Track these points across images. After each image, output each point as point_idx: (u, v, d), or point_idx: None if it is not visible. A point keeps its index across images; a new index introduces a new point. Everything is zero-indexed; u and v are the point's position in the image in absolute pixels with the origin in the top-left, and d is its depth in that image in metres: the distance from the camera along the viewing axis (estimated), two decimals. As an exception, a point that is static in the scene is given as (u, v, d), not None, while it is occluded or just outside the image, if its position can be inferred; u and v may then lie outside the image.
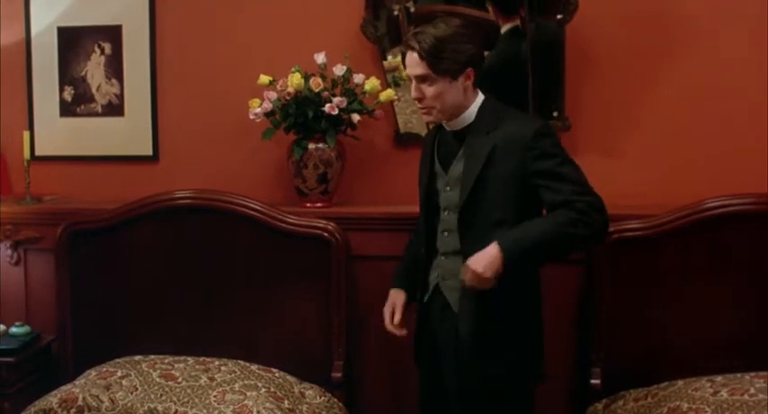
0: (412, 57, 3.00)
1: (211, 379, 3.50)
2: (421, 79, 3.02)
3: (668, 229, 3.58)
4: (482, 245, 2.93)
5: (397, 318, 3.27)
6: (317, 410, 3.54)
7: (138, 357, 3.70)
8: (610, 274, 3.59)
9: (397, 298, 3.31)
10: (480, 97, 3.10)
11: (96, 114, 4.23)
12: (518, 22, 3.80)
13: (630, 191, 3.81)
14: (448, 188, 3.11)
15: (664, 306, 3.62)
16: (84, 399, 3.39)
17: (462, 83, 3.03)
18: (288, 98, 3.82)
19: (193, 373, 3.54)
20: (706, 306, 3.59)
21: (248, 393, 3.42)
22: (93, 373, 3.60)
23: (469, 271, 2.90)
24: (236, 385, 3.47)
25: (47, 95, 4.26)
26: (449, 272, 3.13)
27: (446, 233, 3.13)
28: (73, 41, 4.22)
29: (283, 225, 3.77)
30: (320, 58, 3.83)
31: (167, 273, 3.87)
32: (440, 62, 2.98)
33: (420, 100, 3.06)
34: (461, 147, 3.09)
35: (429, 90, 3.02)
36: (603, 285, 3.61)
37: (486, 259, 2.89)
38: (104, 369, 3.61)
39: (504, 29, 3.81)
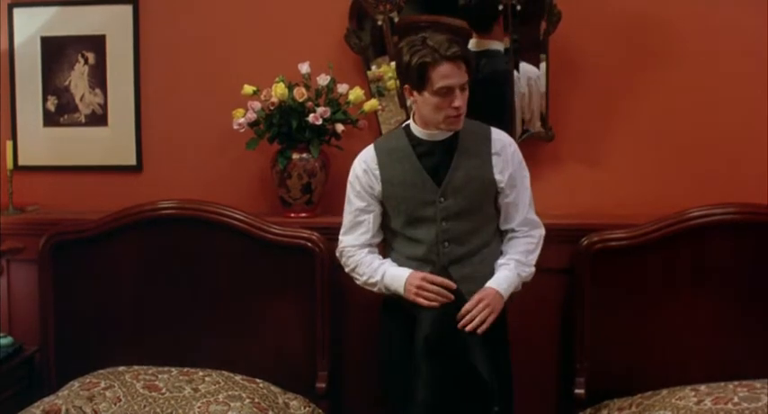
0: (457, 67, 3.06)
1: (195, 390, 3.49)
2: (463, 87, 3.09)
3: (652, 238, 3.59)
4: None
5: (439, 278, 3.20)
6: (301, 421, 3.56)
7: (121, 368, 3.69)
8: (593, 284, 3.59)
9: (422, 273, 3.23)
10: None
11: (80, 124, 4.22)
12: (497, 40, 3.82)
13: (614, 200, 3.83)
14: (443, 199, 3.18)
15: (648, 315, 3.62)
16: (67, 410, 3.37)
17: None
18: (272, 108, 3.81)
19: (177, 384, 3.53)
20: (690, 315, 3.60)
21: (232, 404, 3.41)
22: (76, 384, 3.59)
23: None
24: (220, 396, 3.46)
25: (30, 105, 4.24)
26: (458, 279, 3.19)
27: (447, 244, 3.20)
28: (56, 51, 4.21)
29: (267, 235, 3.77)
30: (304, 68, 3.84)
31: (151, 283, 3.86)
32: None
33: (460, 108, 3.10)
34: (452, 157, 3.19)
35: (466, 97, 3.12)
36: (587, 295, 3.61)
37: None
38: (87, 380, 3.60)
39: (486, 47, 3.82)
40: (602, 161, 3.89)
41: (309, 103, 3.80)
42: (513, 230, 3.29)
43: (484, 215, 3.25)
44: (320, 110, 3.78)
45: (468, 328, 3.10)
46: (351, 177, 3.34)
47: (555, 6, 3.73)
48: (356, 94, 3.82)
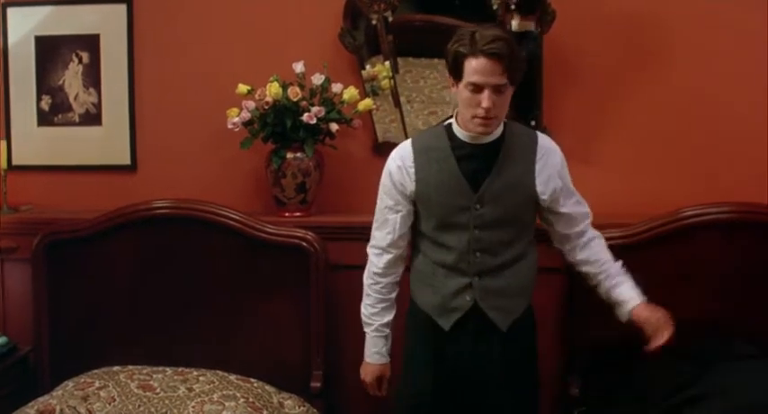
0: (492, 65, 2.85)
1: (190, 389, 3.49)
2: (496, 89, 2.89)
3: (647, 237, 3.61)
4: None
5: (384, 387, 3.36)
6: (295, 420, 3.56)
7: (115, 368, 3.68)
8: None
9: (385, 371, 3.33)
10: None
11: (74, 124, 4.22)
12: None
13: (608, 200, 3.81)
14: (478, 206, 3.03)
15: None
16: (61, 410, 3.37)
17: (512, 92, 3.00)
18: (266, 107, 3.81)
19: (171, 384, 3.53)
20: (684, 314, 3.58)
21: (227, 404, 3.41)
22: (70, 384, 3.58)
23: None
24: (215, 396, 3.46)
25: (24, 105, 4.24)
26: (488, 291, 3.08)
27: (478, 254, 3.06)
28: (50, 50, 4.21)
29: (262, 235, 3.77)
30: (298, 67, 3.84)
31: (145, 283, 3.85)
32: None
33: (489, 110, 2.90)
34: (494, 162, 3.03)
35: (499, 100, 2.91)
36: (583, 294, 3.60)
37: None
38: (82, 380, 3.60)
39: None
40: (597, 160, 3.90)
41: (304, 103, 3.80)
42: (581, 234, 3.22)
43: (520, 226, 3.10)
44: (314, 109, 3.78)
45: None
46: (384, 172, 3.17)
47: (549, 5, 3.73)
48: (350, 93, 3.82)
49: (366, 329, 3.30)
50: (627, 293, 3.15)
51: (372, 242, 3.25)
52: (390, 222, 3.17)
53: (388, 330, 3.28)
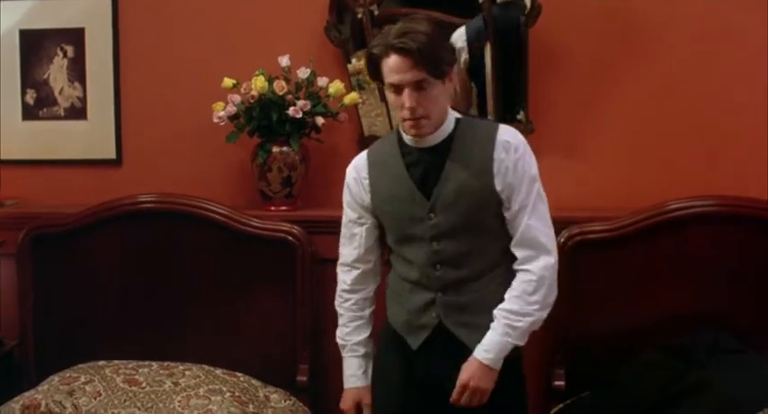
0: (403, 61, 2.66)
1: (176, 384, 3.49)
2: (417, 86, 2.69)
3: (632, 230, 3.60)
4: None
5: None
6: (281, 414, 3.56)
7: (101, 362, 3.67)
8: (573, 276, 3.56)
9: (364, 395, 3.08)
10: (451, 110, 2.87)
11: (59, 118, 4.20)
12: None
13: (594, 193, 3.83)
14: (432, 215, 2.82)
15: (628, 307, 3.63)
16: (47, 405, 3.37)
17: (448, 86, 2.79)
18: (252, 101, 3.80)
19: (157, 379, 3.52)
20: (670, 307, 3.60)
21: (213, 398, 3.41)
22: (56, 378, 3.57)
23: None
24: (201, 390, 3.46)
25: (9, 99, 4.22)
26: (452, 307, 2.86)
27: (439, 266, 2.84)
28: (35, 44, 4.19)
29: (247, 229, 3.76)
30: (284, 60, 3.83)
31: (131, 277, 3.85)
32: (436, 62, 2.68)
33: (414, 110, 2.71)
34: (443, 166, 2.81)
35: (423, 98, 2.70)
36: (565, 287, 3.59)
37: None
38: (67, 374, 3.58)
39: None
40: (583, 154, 3.90)
41: (289, 97, 3.79)
42: (514, 257, 2.84)
43: (486, 232, 2.83)
44: (300, 103, 3.77)
45: None
46: (344, 186, 3.02)
47: (535, -1, 3.75)
48: (336, 87, 3.82)
49: (342, 352, 3.11)
50: (483, 340, 2.80)
51: (340, 260, 3.10)
52: (357, 237, 3.02)
53: (363, 350, 3.08)
